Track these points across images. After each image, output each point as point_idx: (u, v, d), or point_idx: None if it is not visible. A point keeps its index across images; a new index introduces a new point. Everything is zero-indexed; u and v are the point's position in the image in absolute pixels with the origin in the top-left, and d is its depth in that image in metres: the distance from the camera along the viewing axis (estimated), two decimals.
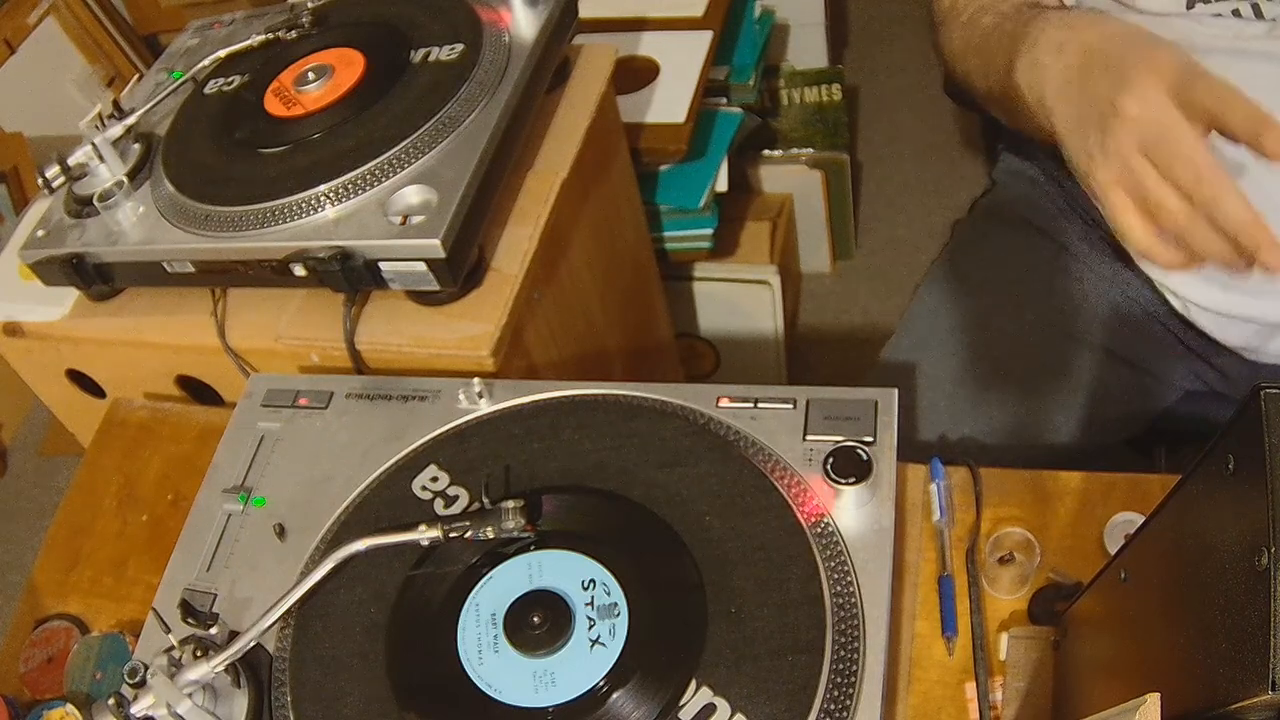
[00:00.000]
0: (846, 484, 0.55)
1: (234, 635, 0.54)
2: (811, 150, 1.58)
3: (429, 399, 0.66)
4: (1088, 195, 0.81)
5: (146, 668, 0.51)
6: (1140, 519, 0.56)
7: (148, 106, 0.85)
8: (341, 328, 0.77)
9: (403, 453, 0.64)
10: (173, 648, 0.53)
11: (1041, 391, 0.82)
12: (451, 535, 0.55)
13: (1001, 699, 0.56)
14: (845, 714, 0.49)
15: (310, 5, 0.90)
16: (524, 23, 0.84)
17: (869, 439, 0.58)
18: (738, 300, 1.48)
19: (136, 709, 0.51)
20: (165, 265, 0.79)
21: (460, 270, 0.74)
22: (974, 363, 0.84)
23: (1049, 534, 0.61)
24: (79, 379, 0.93)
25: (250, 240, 0.75)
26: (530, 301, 0.81)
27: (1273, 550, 0.31)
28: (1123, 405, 0.84)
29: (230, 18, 0.98)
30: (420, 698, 0.53)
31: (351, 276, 0.73)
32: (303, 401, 0.68)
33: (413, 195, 0.73)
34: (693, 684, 0.50)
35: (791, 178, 1.60)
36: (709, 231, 1.31)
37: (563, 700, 0.51)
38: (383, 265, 0.73)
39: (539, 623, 0.52)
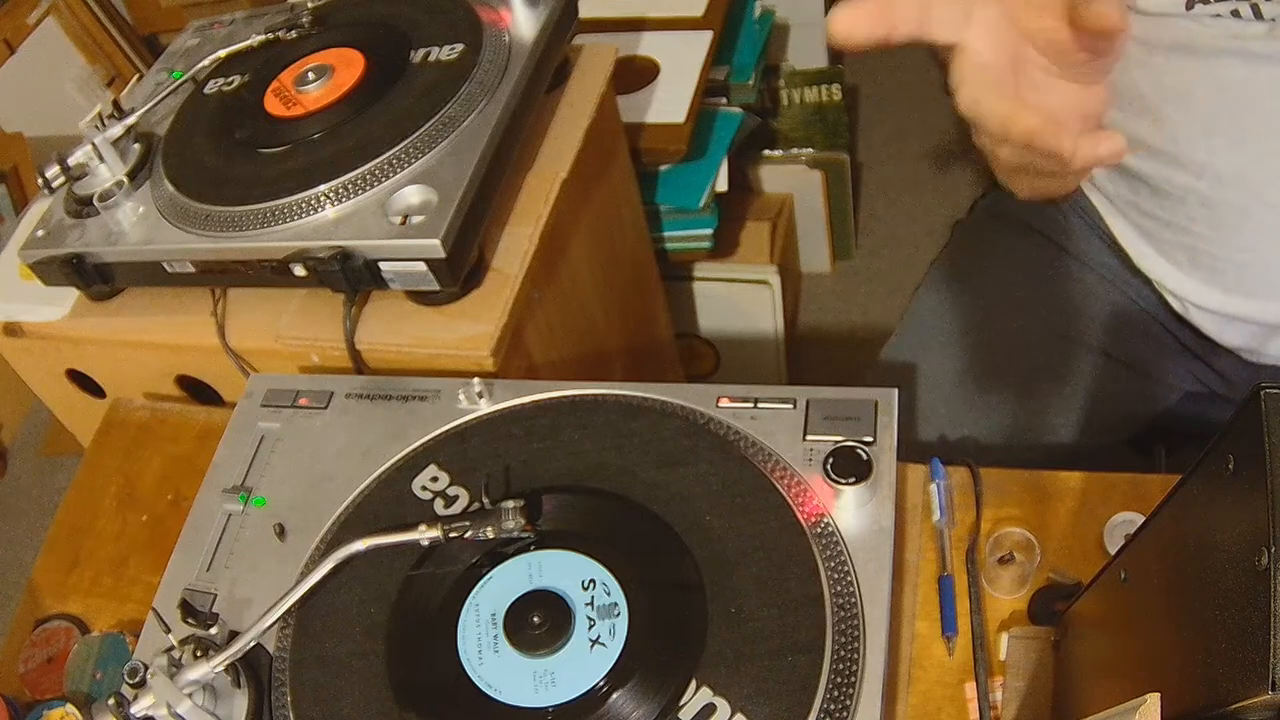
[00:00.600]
0: (846, 484, 0.55)
1: (234, 635, 0.54)
2: (811, 150, 1.58)
3: (429, 399, 0.66)
4: (1088, 199, 0.82)
5: (146, 668, 0.51)
6: (1140, 519, 0.56)
7: (148, 106, 0.85)
8: (341, 328, 0.77)
9: (403, 453, 0.64)
10: (173, 648, 0.53)
11: (1041, 392, 0.82)
12: (451, 535, 0.55)
13: (1001, 699, 0.56)
14: (845, 714, 0.49)
15: (310, 5, 0.90)
16: (524, 23, 0.84)
17: (869, 439, 0.58)
18: (738, 300, 1.48)
19: (136, 709, 0.51)
20: (165, 265, 0.79)
21: (460, 270, 0.74)
22: (974, 363, 0.84)
23: (1049, 534, 0.61)
24: (79, 379, 0.93)
25: (250, 240, 0.75)
26: (530, 301, 0.81)
27: (1273, 550, 0.31)
28: (1122, 406, 0.84)
29: (230, 18, 0.98)
30: (420, 698, 0.53)
31: (351, 276, 0.73)
32: (303, 401, 0.68)
33: (413, 195, 0.73)
34: (693, 684, 0.50)
35: (791, 178, 1.60)
36: (709, 231, 1.31)
37: (563, 700, 0.51)
38: (383, 265, 0.73)
39: (539, 623, 0.52)
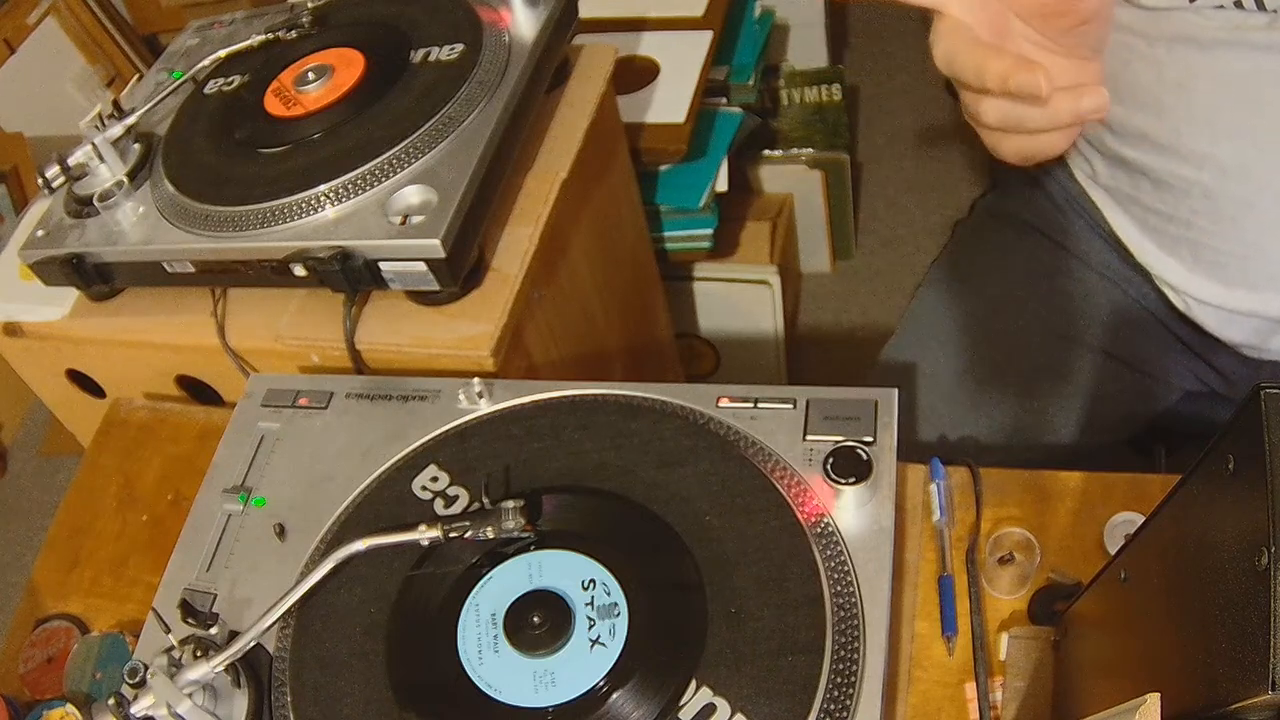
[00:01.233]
0: (846, 484, 0.55)
1: (234, 635, 0.54)
2: (811, 150, 1.58)
3: (429, 399, 0.66)
4: (1089, 196, 0.82)
5: (146, 668, 0.51)
6: (1140, 519, 0.56)
7: (148, 106, 0.85)
8: (341, 328, 0.77)
9: (403, 453, 0.64)
10: (173, 648, 0.53)
11: (1041, 392, 0.82)
12: (451, 535, 0.55)
13: (1001, 699, 0.56)
14: (845, 714, 0.49)
15: (310, 5, 0.90)
16: (524, 23, 0.84)
17: (869, 439, 0.58)
18: (738, 300, 1.48)
19: (136, 709, 0.51)
20: (165, 265, 0.79)
21: (460, 270, 0.74)
22: (974, 363, 0.84)
23: (1049, 534, 0.61)
24: (79, 379, 0.93)
25: (250, 240, 0.75)
26: (530, 301, 0.81)
27: (1273, 550, 0.31)
28: (1123, 406, 0.84)
29: (230, 18, 0.98)
30: (420, 698, 0.53)
31: (351, 276, 0.73)
32: (303, 401, 0.68)
33: (413, 195, 0.73)
34: (693, 684, 0.50)
35: (791, 178, 1.60)
36: (709, 231, 1.31)
37: (563, 700, 0.51)
38: (383, 265, 0.73)
39: (539, 623, 0.52)
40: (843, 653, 0.50)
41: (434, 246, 0.70)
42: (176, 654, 0.53)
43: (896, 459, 0.58)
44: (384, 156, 0.74)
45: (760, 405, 0.61)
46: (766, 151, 1.59)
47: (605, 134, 0.98)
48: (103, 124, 0.82)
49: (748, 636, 0.51)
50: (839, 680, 0.50)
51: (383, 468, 0.63)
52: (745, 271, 1.45)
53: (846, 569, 0.53)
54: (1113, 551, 0.58)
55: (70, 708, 0.64)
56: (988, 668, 0.57)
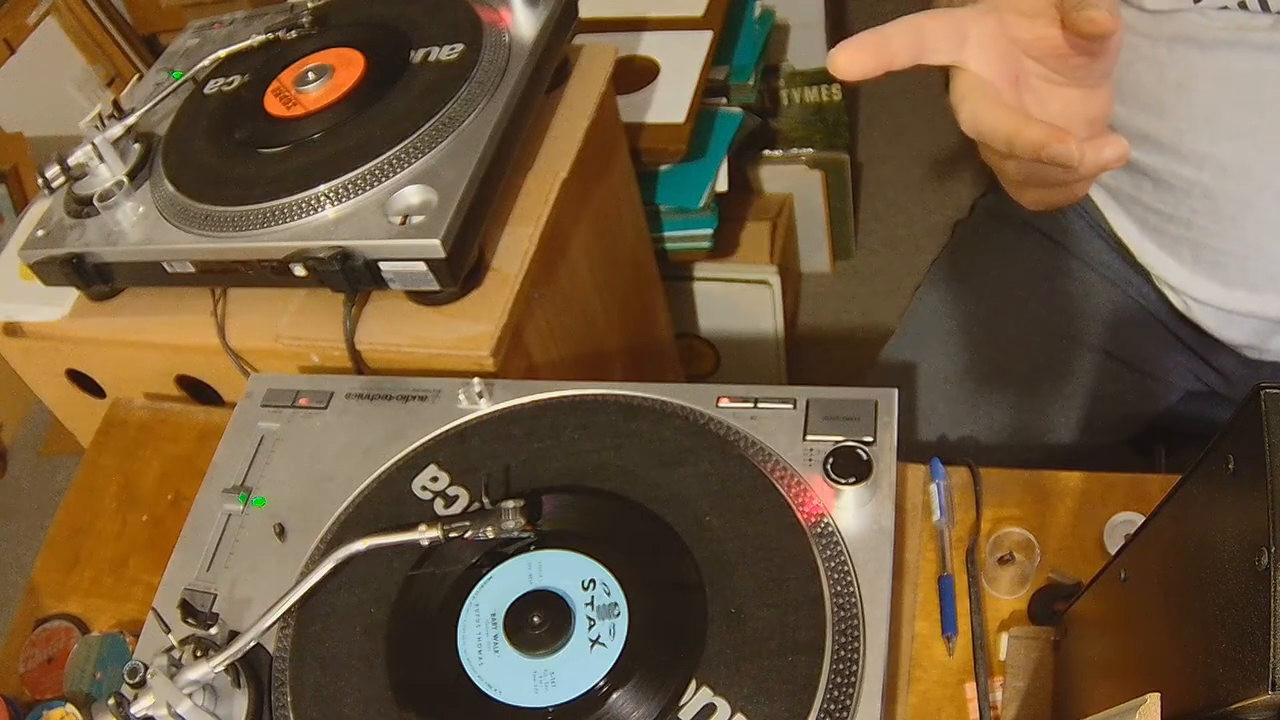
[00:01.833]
0: (846, 484, 0.55)
1: (234, 635, 0.54)
2: (811, 150, 1.58)
3: (429, 399, 0.66)
4: (1090, 196, 0.82)
5: (146, 668, 0.51)
6: (1140, 519, 0.56)
7: (148, 106, 0.85)
8: (341, 328, 0.77)
9: (403, 453, 0.64)
10: (173, 648, 0.53)
11: (1041, 392, 0.82)
12: (451, 535, 0.55)
13: (1001, 699, 0.56)
14: (845, 714, 0.49)
15: (310, 5, 0.90)
16: (524, 23, 0.84)
17: (869, 439, 0.58)
18: (738, 300, 1.48)
19: (136, 709, 0.51)
20: (165, 265, 0.79)
21: (460, 270, 0.74)
22: (974, 363, 0.84)
23: (1049, 534, 0.61)
24: (79, 379, 0.93)
25: (250, 240, 0.75)
26: (530, 301, 0.81)
27: (1273, 550, 0.31)
28: (1123, 405, 0.84)
29: (230, 18, 0.98)
30: (420, 698, 0.53)
31: (351, 276, 0.73)
32: (303, 401, 0.68)
33: (413, 195, 0.73)
34: (693, 684, 0.50)
35: (791, 178, 1.60)
36: (709, 231, 1.31)
37: (563, 700, 0.51)
38: (383, 265, 0.73)
39: (539, 623, 0.52)
40: (843, 653, 0.50)
41: (434, 246, 0.70)
42: (176, 654, 0.53)
43: (896, 459, 0.58)
44: (384, 156, 0.74)
45: (760, 405, 0.61)
46: (766, 151, 1.59)
47: (605, 134, 0.98)
48: (103, 124, 0.82)
49: (748, 636, 0.51)
50: (839, 680, 0.50)
51: (383, 468, 0.63)
52: (745, 271, 1.45)
53: (846, 569, 0.53)
54: (1113, 551, 0.58)
55: (70, 708, 0.64)
56: (988, 668, 0.57)
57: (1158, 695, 0.36)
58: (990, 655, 0.58)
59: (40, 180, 0.81)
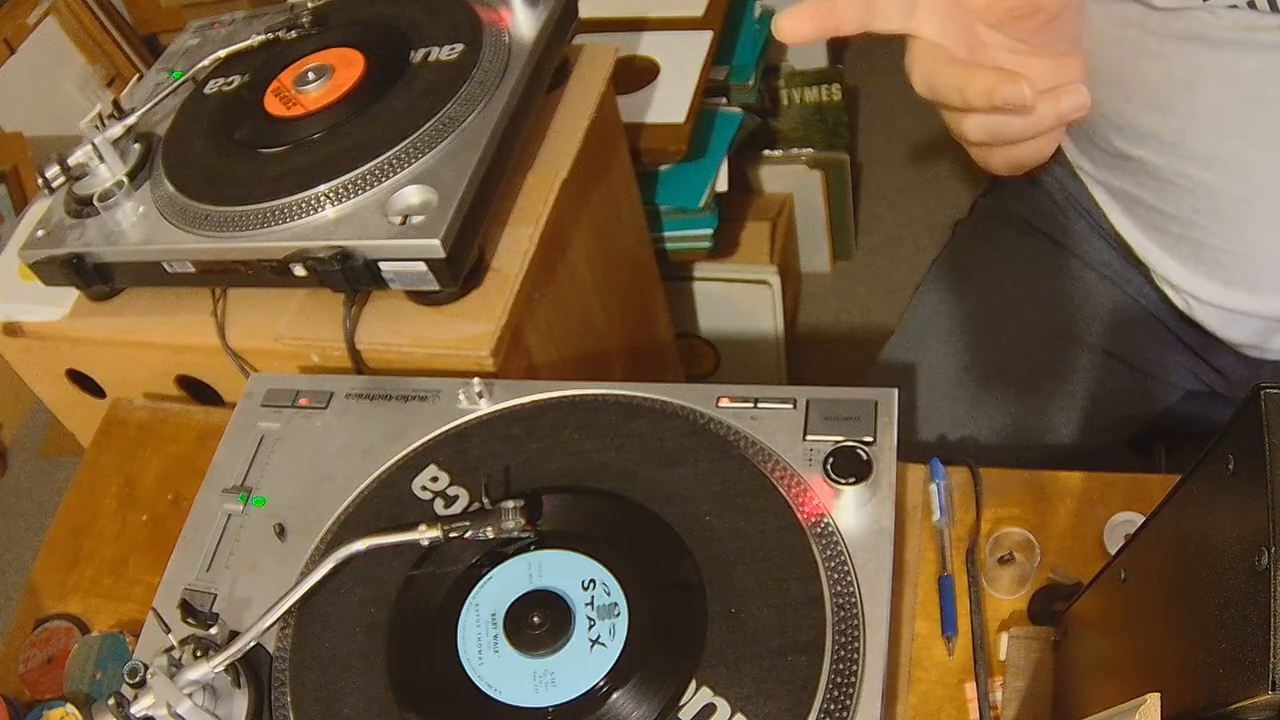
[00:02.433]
0: (846, 484, 0.55)
1: (234, 635, 0.54)
2: (811, 150, 1.58)
3: (429, 399, 0.66)
4: (1091, 195, 0.82)
5: (146, 668, 0.51)
6: (1140, 519, 0.56)
7: (148, 106, 0.85)
8: (341, 328, 0.77)
9: (403, 453, 0.64)
10: (173, 648, 0.53)
11: (1041, 392, 0.82)
12: (451, 535, 0.55)
13: (1001, 699, 0.56)
14: (845, 714, 0.49)
15: (310, 5, 0.90)
16: (524, 23, 0.84)
17: (869, 439, 0.58)
18: (738, 300, 1.48)
19: (136, 709, 0.51)
20: (165, 265, 0.79)
21: (460, 270, 0.74)
22: (974, 363, 0.84)
23: (1049, 534, 0.61)
24: (79, 379, 0.93)
25: (250, 240, 0.75)
26: (530, 301, 0.81)
27: (1273, 550, 0.31)
28: (1123, 405, 0.84)
29: (230, 18, 0.98)
30: (420, 698, 0.53)
31: (351, 276, 0.73)
32: (303, 401, 0.68)
33: (413, 195, 0.73)
34: (693, 684, 0.50)
35: (791, 178, 1.60)
36: (709, 231, 1.31)
37: (563, 700, 0.51)
38: (383, 265, 0.73)
39: (539, 623, 0.52)
40: (843, 653, 0.50)
41: (434, 246, 0.70)
42: (176, 654, 0.53)
43: (896, 459, 0.58)
44: (384, 156, 0.74)
45: (760, 405, 0.61)
46: (766, 151, 1.59)
47: (605, 134, 0.98)
48: (103, 124, 0.82)
49: (748, 636, 0.51)
50: (839, 680, 0.50)
51: (383, 468, 0.63)
52: (745, 271, 1.45)
53: (846, 569, 0.53)
54: (1113, 551, 0.58)
55: (70, 708, 0.64)
56: (988, 668, 0.57)
57: (1158, 695, 0.36)
58: (990, 655, 0.58)
59: (40, 180, 0.81)
